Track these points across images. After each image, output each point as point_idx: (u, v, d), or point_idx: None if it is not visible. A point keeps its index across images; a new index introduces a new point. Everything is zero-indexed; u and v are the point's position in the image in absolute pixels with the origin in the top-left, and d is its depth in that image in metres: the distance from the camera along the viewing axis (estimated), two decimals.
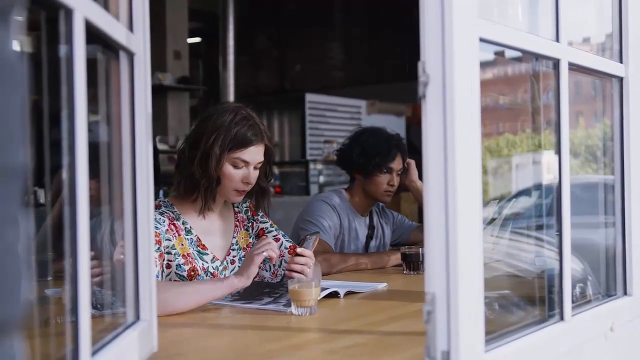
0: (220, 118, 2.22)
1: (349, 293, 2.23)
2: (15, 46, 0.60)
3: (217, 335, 1.76)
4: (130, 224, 1.41)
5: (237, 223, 2.42)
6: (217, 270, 2.29)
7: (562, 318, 1.55)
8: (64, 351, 1.07)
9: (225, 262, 2.33)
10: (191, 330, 1.84)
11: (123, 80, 1.38)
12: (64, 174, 1.04)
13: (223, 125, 2.21)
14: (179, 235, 2.23)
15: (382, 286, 2.40)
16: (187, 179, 2.24)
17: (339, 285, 2.24)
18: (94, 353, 1.12)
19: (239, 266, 2.33)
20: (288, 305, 1.94)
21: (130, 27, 1.38)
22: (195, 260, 2.23)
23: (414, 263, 2.70)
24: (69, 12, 1.02)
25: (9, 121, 0.57)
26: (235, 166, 2.23)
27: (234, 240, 2.38)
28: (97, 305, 1.38)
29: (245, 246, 2.41)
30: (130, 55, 1.38)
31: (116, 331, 1.31)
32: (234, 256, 2.37)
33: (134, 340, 1.33)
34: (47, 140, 1.08)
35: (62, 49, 1.04)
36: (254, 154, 2.25)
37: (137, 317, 1.41)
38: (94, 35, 1.15)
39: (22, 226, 0.60)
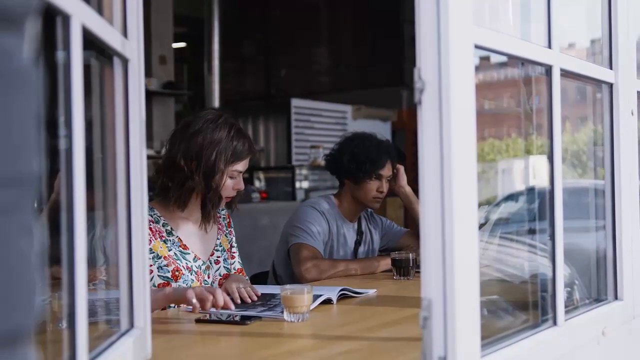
0: (217, 133, 2.29)
1: (342, 296, 2.23)
2: (30, 54, 0.59)
3: (211, 343, 1.76)
4: (124, 231, 1.40)
5: (220, 226, 2.51)
6: (200, 269, 2.35)
7: (555, 323, 1.55)
8: (60, 359, 1.07)
9: (208, 262, 2.40)
10: (185, 337, 1.83)
11: (117, 86, 1.38)
12: (62, 181, 1.03)
13: (222, 141, 2.29)
14: (156, 239, 2.28)
15: (372, 292, 2.40)
16: (188, 192, 2.30)
17: (330, 290, 2.24)
18: None
19: (224, 266, 2.44)
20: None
21: (125, 33, 1.38)
22: (178, 260, 2.29)
23: (404, 268, 2.70)
24: (66, 18, 1.02)
25: (24, 129, 0.57)
26: (232, 177, 2.34)
27: (217, 242, 2.46)
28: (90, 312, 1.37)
29: (226, 249, 2.49)
30: (125, 62, 1.37)
31: (111, 339, 1.31)
32: (217, 256, 2.45)
33: (129, 347, 1.33)
34: (42, 147, 1.07)
35: (59, 55, 1.04)
36: (247, 163, 2.38)
37: (132, 325, 1.40)
38: (89, 41, 1.14)
39: (35, 234, 0.59)
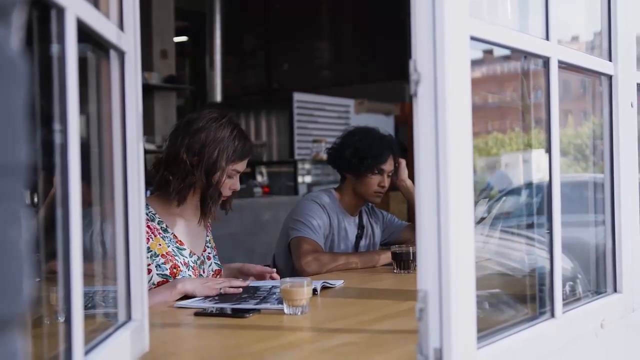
0: (220, 132, 2.33)
1: (324, 288, 2.29)
2: (17, 44, 0.60)
3: (209, 335, 1.76)
4: (121, 225, 1.40)
5: (208, 225, 2.54)
6: (196, 264, 2.39)
7: (553, 315, 1.55)
8: (56, 351, 1.07)
9: (202, 257, 2.44)
10: (182, 330, 1.83)
11: (113, 79, 1.38)
12: (57, 175, 1.03)
13: (224, 139, 2.32)
14: (155, 236, 2.30)
15: (340, 283, 2.43)
16: (188, 187, 2.32)
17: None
18: (86, 353, 1.12)
19: (215, 262, 2.49)
20: (281, 302, 1.94)
21: (121, 26, 1.38)
22: (176, 257, 2.31)
23: (404, 262, 2.70)
24: (60, 11, 1.02)
25: (12, 119, 0.57)
26: (229, 176, 2.36)
27: (207, 239, 2.51)
28: (87, 305, 1.37)
29: (213, 247, 2.54)
30: (121, 54, 1.38)
31: (108, 331, 1.31)
32: (209, 253, 2.49)
33: (126, 340, 1.33)
34: (37, 141, 1.08)
35: (54, 48, 1.04)
36: (245, 164, 2.42)
37: (129, 317, 1.40)
38: (85, 34, 1.14)
39: (24, 224, 0.60)
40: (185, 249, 2.36)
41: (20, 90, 0.58)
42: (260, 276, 2.47)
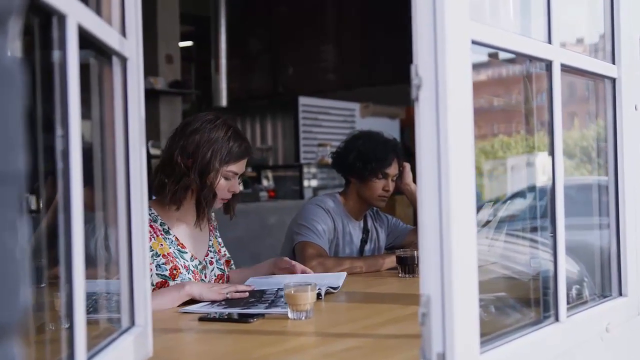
0: (214, 132, 2.33)
1: (328, 293, 2.28)
2: (13, 52, 0.60)
3: (213, 340, 1.76)
4: (124, 230, 1.40)
5: (211, 228, 2.54)
6: (197, 269, 2.39)
7: (557, 319, 1.55)
8: (59, 357, 1.07)
9: (204, 262, 2.43)
10: (186, 335, 1.83)
11: (116, 85, 1.38)
12: (59, 181, 1.03)
13: (218, 140, 2.32)
14: (157, 236, 2.31)
15: (342, 277, 2.45)
16: (183, 189, 2.32)
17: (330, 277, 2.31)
18: (89, 358, 1.12)
19: (217, 267, 2.48)
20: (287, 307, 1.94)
21: (123, 32, 1.38)
22: (177, 259, 2.32)
23: (409, 266, 2.70)
24: (62, 18, 1.02)
25: (9, 127, 0.57)
26: (226, 178, 2.36)
27: (210, 243, 2.50)
28: (90, 309, 1.38)
29: (217, 250, 2.53)
30: (124, 60, 1.38)
31: (111, 337, 1.31)
32: (211, 257, 2.49)
33: (130, 345, 1.33)
34: (39, 146, 1.08)
35: (55, 54, 1.04)
36: (243, 166, 2.40)
37: (132, 323, 1.41)
38: (87, 40, 1.15)
39: (21, 231, 0.60)
40: (186, 253, 2.36)
41: (18, 98, 0.58)
42: (290, 270, 2.49)
